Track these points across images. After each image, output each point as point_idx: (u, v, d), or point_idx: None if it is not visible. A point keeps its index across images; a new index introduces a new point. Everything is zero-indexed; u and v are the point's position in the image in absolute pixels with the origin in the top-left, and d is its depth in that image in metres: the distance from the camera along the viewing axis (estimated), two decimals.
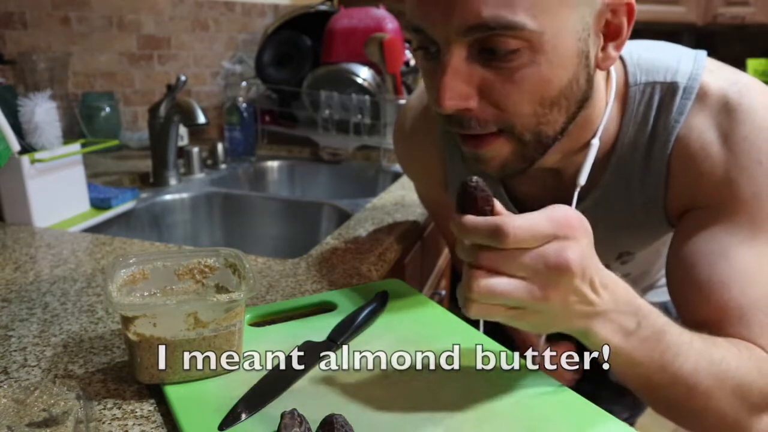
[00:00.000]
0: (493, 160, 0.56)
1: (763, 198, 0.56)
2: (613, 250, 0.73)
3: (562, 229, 0.42)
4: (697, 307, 0.57)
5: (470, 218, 0.42)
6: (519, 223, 0.41)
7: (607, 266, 0.76)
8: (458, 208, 0.43)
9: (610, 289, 0.46)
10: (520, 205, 0.72)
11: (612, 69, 0.61)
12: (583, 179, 0.62)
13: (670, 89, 0.59)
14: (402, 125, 0.80)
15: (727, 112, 0.57)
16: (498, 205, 0.44)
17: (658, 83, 0.60)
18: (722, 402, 0.50)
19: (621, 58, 0.63)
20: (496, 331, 0.66)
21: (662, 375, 0.49)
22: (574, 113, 0.55)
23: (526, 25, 0.48)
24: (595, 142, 0.61)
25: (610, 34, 0.54)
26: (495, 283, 0.41)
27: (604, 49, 0.54)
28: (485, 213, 0.43)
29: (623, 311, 0.47)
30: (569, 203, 0.67)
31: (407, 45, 1.66)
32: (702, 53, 0.61)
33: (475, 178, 0.43)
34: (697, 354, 0.49)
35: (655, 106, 0.60)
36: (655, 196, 0.62)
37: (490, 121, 0.53)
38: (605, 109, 0.60)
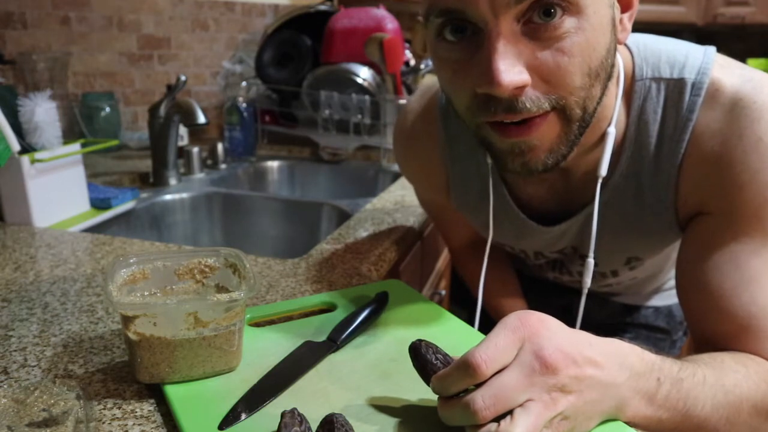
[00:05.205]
0: (538, 149, 0.52)
1: None
2: (621, 256, 0.71)
3: (520, 330, 0.41)
4: (707, 314, 0.57)
5: (440, 373, 0.42)
6: (483, 347, 0.40)
7: (615, 272, 0.76)
8: (425, 376, 0.44)
9: (614, 355, 0.44)
10: (525, 208, 0.70)
11: (620, 60, 0.59)
12: (603, 170, 0.60)
13: (677, 86, 0.57)
14: (402, 127, 0.78)
15: (740, 110, 0.54)
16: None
17: (664, 79, 0.58)
18: (742, 426, 0.51)
19: (629, 50, 0.61)
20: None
21: (687, 423, 0.48)
22: (603, 89, 0.53)
23: None
24: (612, 130, 0.59)
25: (624, 5, 0.53)
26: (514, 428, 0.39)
27: (621, 20, 0.53)
28: (448, 361, 0.44)
29: (640, 372, 0.45)
30: (580, 203, 0.66)
31: (407, 45, 1.66)
32: (711, 48, 0.59)
33: (413, 342, 0.45)
34: (713, 391, 0.49)
35: (662, 103, 0.58)
36: (666, 198, 0.60)
37: (543, 99, 0.49)
38: (616, 100, 0.59)
